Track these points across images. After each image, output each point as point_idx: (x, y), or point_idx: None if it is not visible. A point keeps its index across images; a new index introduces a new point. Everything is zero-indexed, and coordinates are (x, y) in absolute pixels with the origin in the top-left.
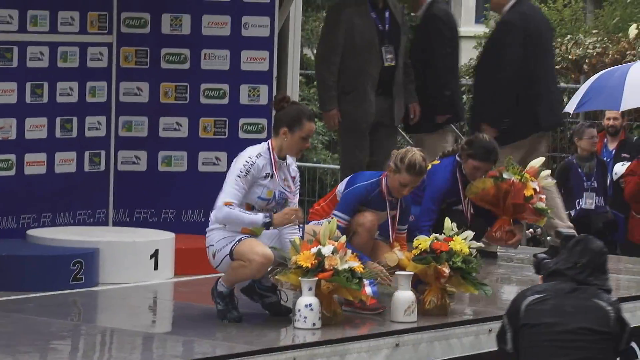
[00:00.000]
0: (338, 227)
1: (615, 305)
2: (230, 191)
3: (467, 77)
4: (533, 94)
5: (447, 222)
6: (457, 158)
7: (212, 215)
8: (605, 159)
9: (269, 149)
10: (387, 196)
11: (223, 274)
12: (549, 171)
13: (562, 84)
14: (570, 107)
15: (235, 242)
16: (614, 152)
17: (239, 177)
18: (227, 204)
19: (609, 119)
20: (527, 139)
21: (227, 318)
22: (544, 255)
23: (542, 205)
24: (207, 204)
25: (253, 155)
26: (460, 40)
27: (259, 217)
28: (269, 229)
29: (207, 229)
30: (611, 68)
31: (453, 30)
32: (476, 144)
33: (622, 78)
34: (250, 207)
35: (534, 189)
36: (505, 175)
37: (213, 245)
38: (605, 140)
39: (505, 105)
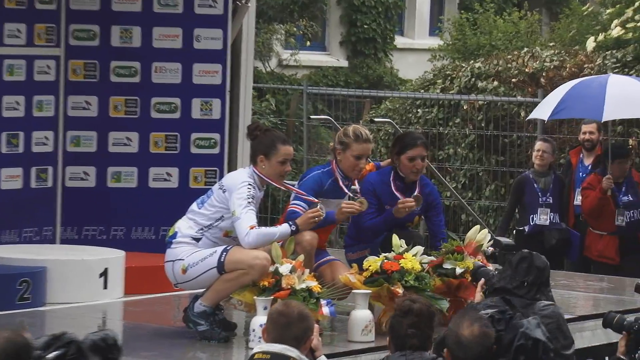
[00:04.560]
0: (295, 213)
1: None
2: (249, 215)
3: (422, 91)
4: None
5: (395, 239)
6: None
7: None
8: (581, 174)
9: (255, 176)
10: (342, 182)
11: (203, 292)
12: (485, 230)
13: (518, 97)
14: (543, 114)
15: (221, 254)
16: (589, 167)
17: (249, 202)
18: (252, 227)
19: (584, 133)
20: None
21: (215, 339)
22: (479, 264)
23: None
24: (158, 221)
25: (249, 182)
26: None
27: (285, 227)
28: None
29: (170, 244)
30: (585, 78)
31: None
32: (400, 138)
33: (601, 89)
34: (227, 234)
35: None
36: (447, 266)
37: (183, 259)
38: (581, 155)
39: None
